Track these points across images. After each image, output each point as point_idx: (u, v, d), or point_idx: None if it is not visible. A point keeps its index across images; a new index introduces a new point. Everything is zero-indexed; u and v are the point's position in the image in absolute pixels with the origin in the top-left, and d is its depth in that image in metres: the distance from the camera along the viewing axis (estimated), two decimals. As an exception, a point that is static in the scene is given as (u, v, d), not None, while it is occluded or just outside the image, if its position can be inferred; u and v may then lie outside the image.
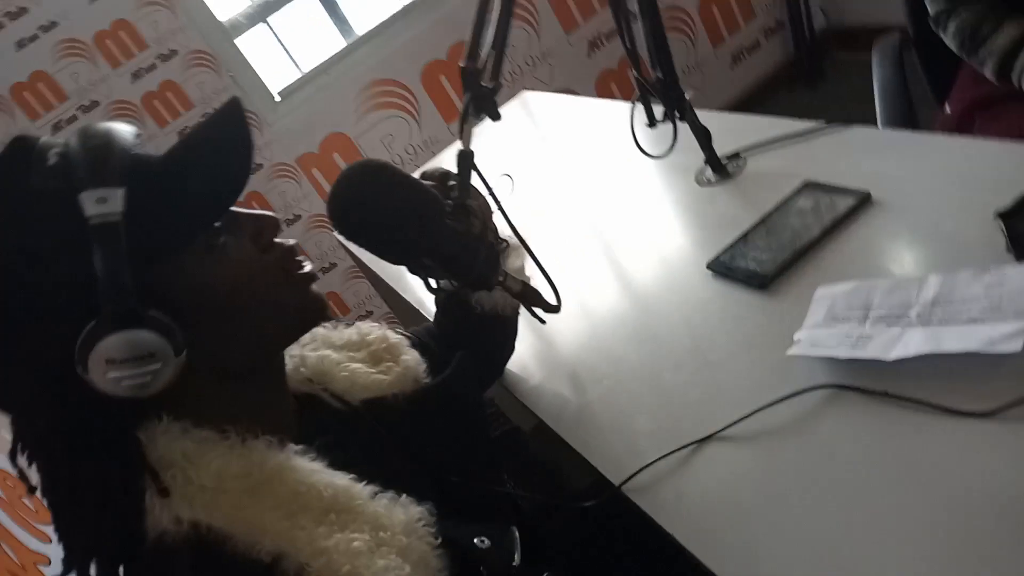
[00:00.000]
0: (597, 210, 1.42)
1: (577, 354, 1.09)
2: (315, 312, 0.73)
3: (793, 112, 1.29)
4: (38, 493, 0.64)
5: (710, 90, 3.14)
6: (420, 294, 1.44)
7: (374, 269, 1.68)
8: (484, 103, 0.82)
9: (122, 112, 2.43)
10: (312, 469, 0.64)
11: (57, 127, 2.38)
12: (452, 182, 0.84)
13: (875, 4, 2.91)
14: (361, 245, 0.76)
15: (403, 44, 2.70)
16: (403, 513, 0.65)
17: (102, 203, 0.58)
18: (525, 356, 1.13)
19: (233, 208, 0.67)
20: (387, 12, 2.73)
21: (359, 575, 0.59)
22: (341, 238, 1.89)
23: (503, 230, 0.90)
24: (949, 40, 1.30)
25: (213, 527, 0.58)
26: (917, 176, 1.02)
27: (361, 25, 2.74)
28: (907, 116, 1.34)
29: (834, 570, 0.67)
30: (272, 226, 0.69)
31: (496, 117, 0.83)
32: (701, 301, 1.04)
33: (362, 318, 2.15)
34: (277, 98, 2.60)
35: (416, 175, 0.85)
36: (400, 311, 1.84)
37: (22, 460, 0.63)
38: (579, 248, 1.34)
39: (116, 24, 2.36)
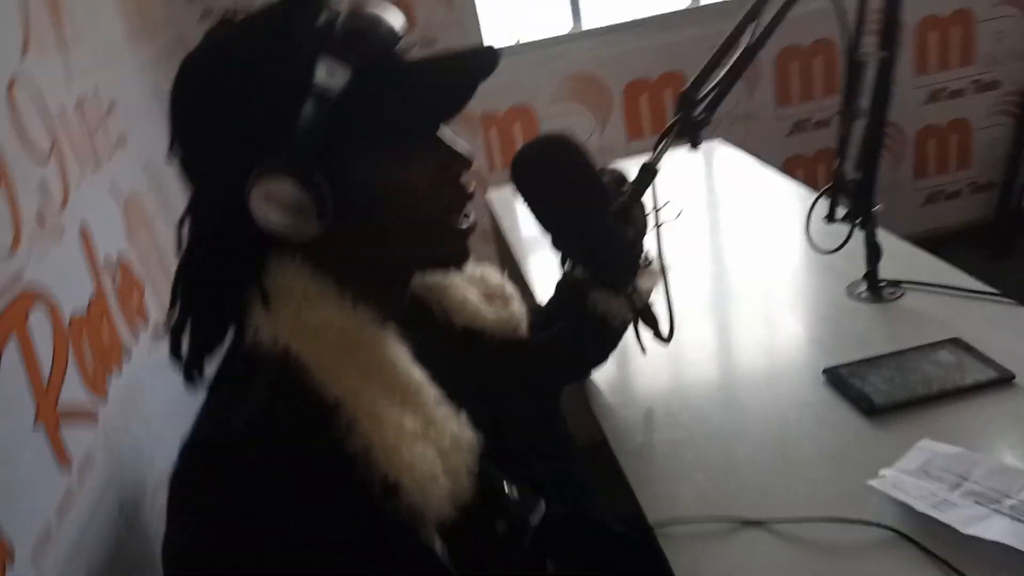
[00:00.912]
0: (739, 275, 1.42)
1: (663, 395, 1.11)
2: (458, 262, 0.78)
3: (966, 272, 1.25)
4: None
5: (894, 216, 3.02)
6: (536, 276, 1.49)
7: (508, 239, 1.73)
8: (690, 130, 0.84)
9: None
10: (400, 353, 0.69)
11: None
12: (625, 188, 0.87)
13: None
14: (526, 199, 0.80)
15: (622, 52, 2.74)
16: (456, 427, 0.68)
17: (330, 75, 0.64)
18: (612, 374, 1.15)
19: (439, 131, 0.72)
20: (620, 18, 2.78)
21: (399, 448, 0.63)
22: (495, 194, 1.94)
23: (651, 250, 0.92)
24: None
25: (300, 357, 0.64)
26: (1070, 380, 0.98)
27: (591, 20, 2.80)
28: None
29: None
30: (464, 164, 0.73)
31: (696, 146, 0.85)
32: (804, 401, 1.03)
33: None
34: (488, 53, 2.70)
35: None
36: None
37: (184, 231, 0.72)
38: (706, 300, 1.34)
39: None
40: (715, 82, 0.86)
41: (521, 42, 2.77)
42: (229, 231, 0.68)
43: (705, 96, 0.85)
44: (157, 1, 2.26)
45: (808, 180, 2.97)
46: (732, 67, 0.86)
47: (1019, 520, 0.78)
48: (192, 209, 0.72)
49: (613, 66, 2.74)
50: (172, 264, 1.77)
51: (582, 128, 2.80)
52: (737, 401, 1.06)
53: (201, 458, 0.64)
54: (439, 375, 0.71)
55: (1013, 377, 0.98)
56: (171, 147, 0.71)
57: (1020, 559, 0.73)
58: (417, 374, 0.69)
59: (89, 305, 1.12)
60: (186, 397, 1.57)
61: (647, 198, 0.86)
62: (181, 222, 0.73)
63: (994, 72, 2.98)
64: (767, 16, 0.92)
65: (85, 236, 1.17)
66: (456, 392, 0.72)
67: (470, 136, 2.74)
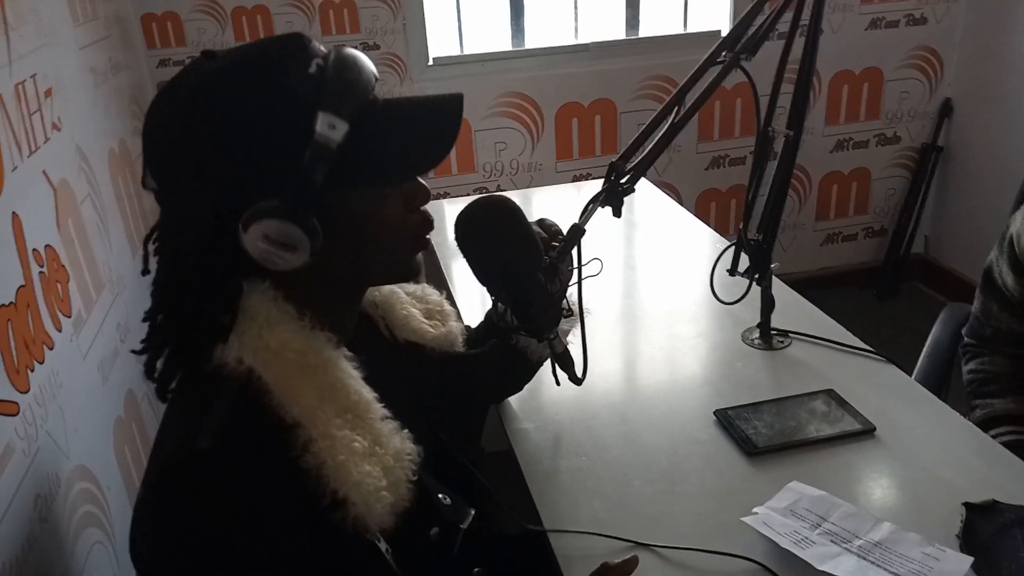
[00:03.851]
0: (648, 314, 1.53)
1: (570, 424, 1.20)
2: (414, 275, 0.86)
3: (852, 312, 1.39)
4: (150, 279, 0.78)
5: (794, 253, 3.25)
6: (463, 305, 1.56)
7: (438, 252, 1.79)
8: (614, 199, 0.94)
9: (297, 6, 2.59)
10: (351, 374, 0.77)
11: (238, -8, 2.55)
12: (556, 243, 0.96)
13: (971, 262, 3.02)
14: (465, 256, 0.89)
15: (558, 75, 2.84)
16: (399, 442, 0.76)
17: (330, 128, 0.70)
18: (528, 401, 1.24)
19: None
20: (561, 42, 2.88)
21: (348, 468, 0.71)
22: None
23: (572, 298, 1.01)
24: (965, 370, 1.42)
25: (263, 379, 0.71)
26: (920, 436, 1.12)
27: (533, 40, 2.89)
28: (942, 380, 1.45)
29: None
30: (425, 197, 0.81)
31: (618, 215, 0.95)
32: (695, 439, 1.14)
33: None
34: (430, 62, 2.75)
35: (538, 217, 0.99)
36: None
37: (151, 247, 0.77)
38: (618, 336, 1.45)
39: (329, -69, 2.54)
40: (642, 155, 0.96)
41: (464, 53, 2.83)
42: (213, 259, 0.73)
43: (632, 168, 0.95)
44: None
45: (720, 213, 3.16)
46: (658, 142, 0.96)
47: (864, 559, 0.91)
48: (169, 232, 0.76)
49: (548, 87, 2.84)
50: (96, 251, 1.77)
51: (514, 145, 2.89)
52: (636, 434, 1.17)
53: (170, 473, 0.70)
54: (384, 387, 0.79)
55: (874, 429, 1.12)
56: (146, 177, 0.75)
57: (862, 593, 0.85)
58: (366, 394, 0.77)
59: (16, 295, 1.13)
60: (101, 389, 1.58)
61: (573, 254, 0.95)
62: (148, 239, 0.77)
63: (896, 128, 3.23)
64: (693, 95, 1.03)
65: (16, 225, 1.18)
66: (399, 402, 0.79)
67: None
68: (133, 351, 0.78)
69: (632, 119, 2.89)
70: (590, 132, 2.93)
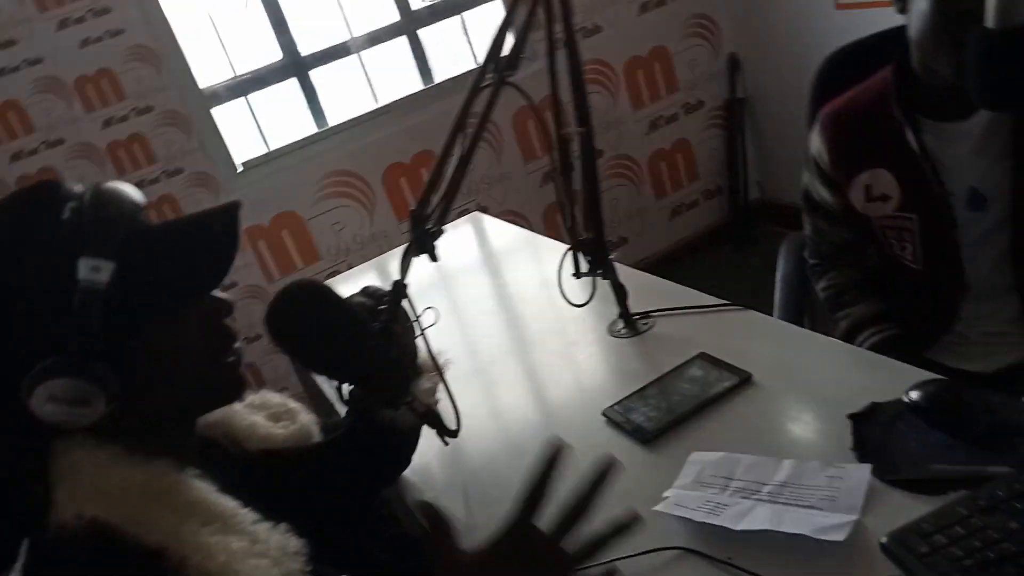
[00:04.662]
0: (516, 339, 1.53)
1: (474, 474, 1.17)
2: (235, 393, 0.82)
3: (718, 269, 1.43)
4: None
5: (648, 236, 3.36)
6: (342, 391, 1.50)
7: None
8: (426, 245, 0.93)
9: (84, 154, 2.48)
10: (206, 488, 0.72)
11: (17, 156, 2.41)
12: (384, 302, 0.93)
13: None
14: (289, 354, 0.85)
15: (371, 142, 2.85)
16: (280, 538, 0.72)
17: (95, 271, 0.66)
18: (421, 470, 1.20)
19: None
20: (362, 110, 2.89)
21: (233, 568, 0.65)
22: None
23: (424, 354, 0.99)
24: (818, 290, 1.51)
25: (109, 521, 0.65)
26: (793, 368, 1.16)
27: (335, 116, 2.88)
28: (800, 308, 1.52)
29: None
30: (227, 311, 0.78)
31: (434, 259, 0.94)
32: (592, 445, 1.13)
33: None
34: (240, 168, 2.70)
35: (360, 288, 0.95)
36: (314, 395, 1.88)
37: None
38: (493, 371, 1.43)
39: (100, 72, 2.45)
40: (440, 193, 0.95)
41: (270, 150, 2.79)
42: (7, 430, 0.69)
43: (435, 209, 0.94)
44: None
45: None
46: (452, 177, 0.96)
47: (775, 503, 0.92)
48: None
49: (365, 157, 2.84)
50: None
51: (351, 221, 2.86)
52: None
53: None
54: (249, 501, 0.74)
55: (751, 376, 1.15)
56: None
57: (785, 536, 0.86)
58: (229, 502, 0.72)
59: None
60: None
61: (407, 310, 0.93)
62: None
63: (696, 94, 3.42)
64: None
65: None
66: (271, 510, 0.74)
67: (240, 252, 2.70)
68: None
69: (456, 161, 2.93)
70: (420, 186, 2.92)
